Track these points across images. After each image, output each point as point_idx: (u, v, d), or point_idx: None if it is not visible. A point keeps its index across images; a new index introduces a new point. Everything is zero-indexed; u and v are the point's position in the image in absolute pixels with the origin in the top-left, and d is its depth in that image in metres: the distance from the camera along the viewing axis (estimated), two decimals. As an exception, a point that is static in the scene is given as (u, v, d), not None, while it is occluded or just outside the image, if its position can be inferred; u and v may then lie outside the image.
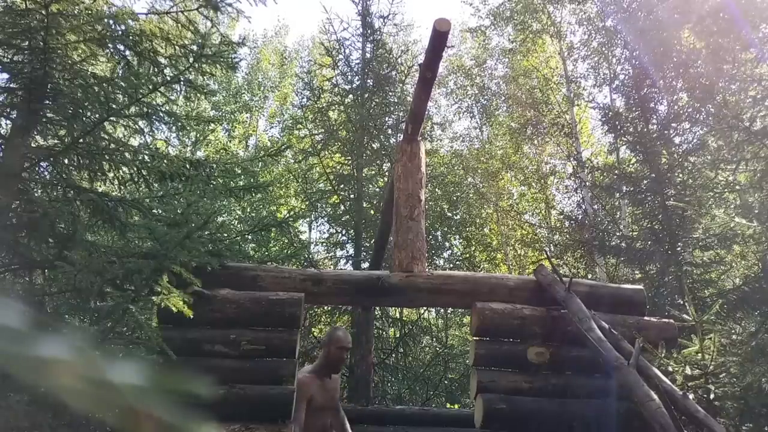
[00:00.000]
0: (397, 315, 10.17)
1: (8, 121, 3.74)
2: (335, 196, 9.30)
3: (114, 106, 3.53)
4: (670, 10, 9.59)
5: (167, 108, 3.81)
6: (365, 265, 7.96)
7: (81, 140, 3.55)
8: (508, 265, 13.60)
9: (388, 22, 9.87)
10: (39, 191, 3.78)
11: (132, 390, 0.31)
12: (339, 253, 10.47)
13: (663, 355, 3.51)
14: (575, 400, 3.65)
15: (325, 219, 10.07)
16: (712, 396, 3.38)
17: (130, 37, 3.68)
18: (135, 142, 4.66)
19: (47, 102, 3.59)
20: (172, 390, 0.31)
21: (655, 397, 1.91)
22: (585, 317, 3.17)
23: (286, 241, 8.53)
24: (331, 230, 10.09)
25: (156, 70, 3.81)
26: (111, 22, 3.66)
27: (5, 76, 3.63)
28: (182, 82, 3.68)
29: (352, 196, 9.05)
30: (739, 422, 3.34)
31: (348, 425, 3.74)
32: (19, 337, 0.30)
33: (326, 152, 9.66)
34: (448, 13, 32.42)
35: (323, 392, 3.51)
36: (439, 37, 3.15)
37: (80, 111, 3.58)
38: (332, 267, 10.73)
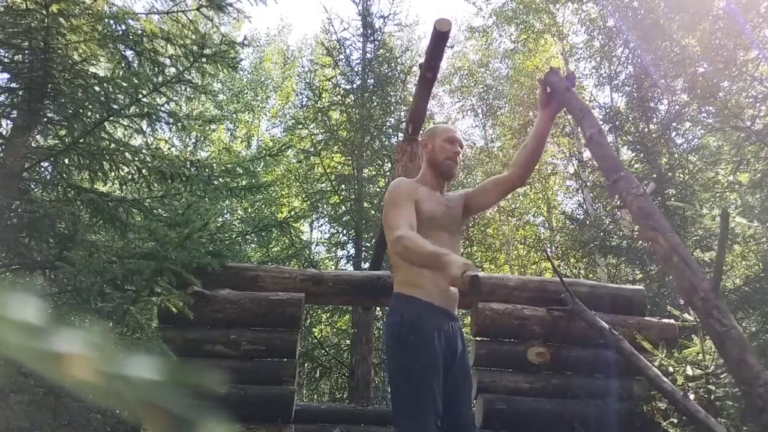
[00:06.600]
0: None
1: (8, 121, 3.74)
2: (336, 196, 9.29)
3: (114, 106, 3.53)
4: (670, 10, 9.58)
5: (168, 108, 3.81)
6: (366, 265, 7.96)
7: (81, 140, 3.55)
8: (509, 266, 13.58)
9: (388, 22, 9.87)
10: (39, 191, 3.79)
11: (147, 384, 0.31)
12: (340, 253, 10.48)
13: (664, 355, 3.51)
14: (575, 400, 3.65)
15: (326, 219, 10.06)
16: (712, 396, 3.37)
17: (131, 37, 3.69)
18: (135, 142, 4.66)
19: (47, 102, 3.59)
20: (186, 385, 0.32)
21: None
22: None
23: (287, 241, 8.52)
24: (332, 230, 10.09)
25: (156, 70, 3.81)
26: (111, 22, 3.67)
27: (5, 76, 3.64)
28: (182, 82, 3.69)
29: (352, 196, 9.04)
30: (739, 422, 3.34)
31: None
32: (35, 331, 0.31)
33: (327, 152, 9.66)
34: (452, 11, 32.42)
35: (437, 205, 2.42)
36: (440, 38, 3.15)
37: (80, 111, 3.58)
38: (333, 267, 10.74)
